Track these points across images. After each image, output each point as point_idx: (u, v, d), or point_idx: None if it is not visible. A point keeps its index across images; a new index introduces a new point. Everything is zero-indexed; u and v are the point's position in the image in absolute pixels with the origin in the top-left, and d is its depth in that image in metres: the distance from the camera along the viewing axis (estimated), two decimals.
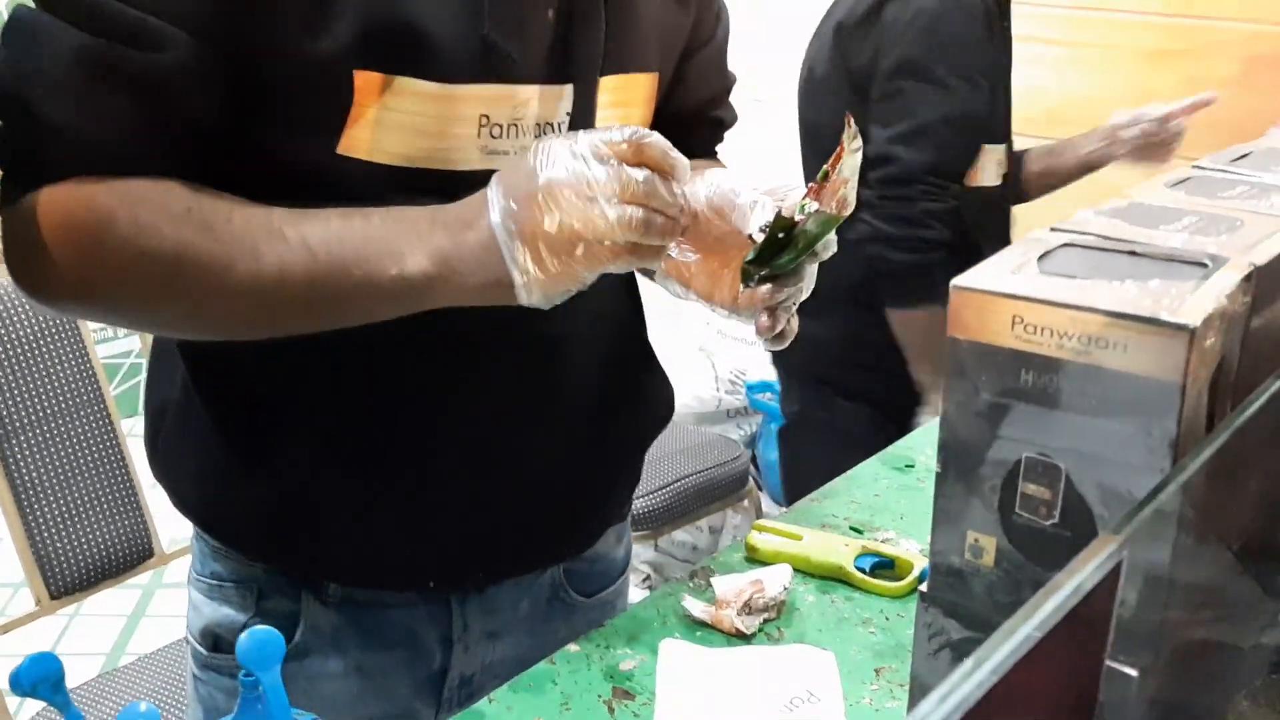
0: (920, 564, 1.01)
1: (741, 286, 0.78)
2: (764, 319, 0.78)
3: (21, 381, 1.49)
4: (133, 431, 3.46)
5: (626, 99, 0.83)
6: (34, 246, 0.69)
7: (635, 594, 2.57)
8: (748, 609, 0.96)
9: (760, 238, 0.74)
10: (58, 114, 0.67)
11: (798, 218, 0.74)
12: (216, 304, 0.71)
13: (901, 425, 1.63)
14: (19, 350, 1.49)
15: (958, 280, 0.46)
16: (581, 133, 0.69)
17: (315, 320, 0.73)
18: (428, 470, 0.83)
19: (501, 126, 0.74)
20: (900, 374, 1.71)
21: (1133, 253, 0.51)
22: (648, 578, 2.66)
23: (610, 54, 0.79)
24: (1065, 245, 0.51)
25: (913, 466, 1.24)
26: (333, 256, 0.69)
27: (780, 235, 0.74)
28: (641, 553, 2.65)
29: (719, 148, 1.05)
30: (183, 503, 0.87)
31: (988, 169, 1.69)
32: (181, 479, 0.87)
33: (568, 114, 0.78)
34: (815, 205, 0.74)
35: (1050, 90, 2.05)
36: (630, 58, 0.82)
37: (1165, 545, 0.40)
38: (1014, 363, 0.45)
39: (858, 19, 1.63)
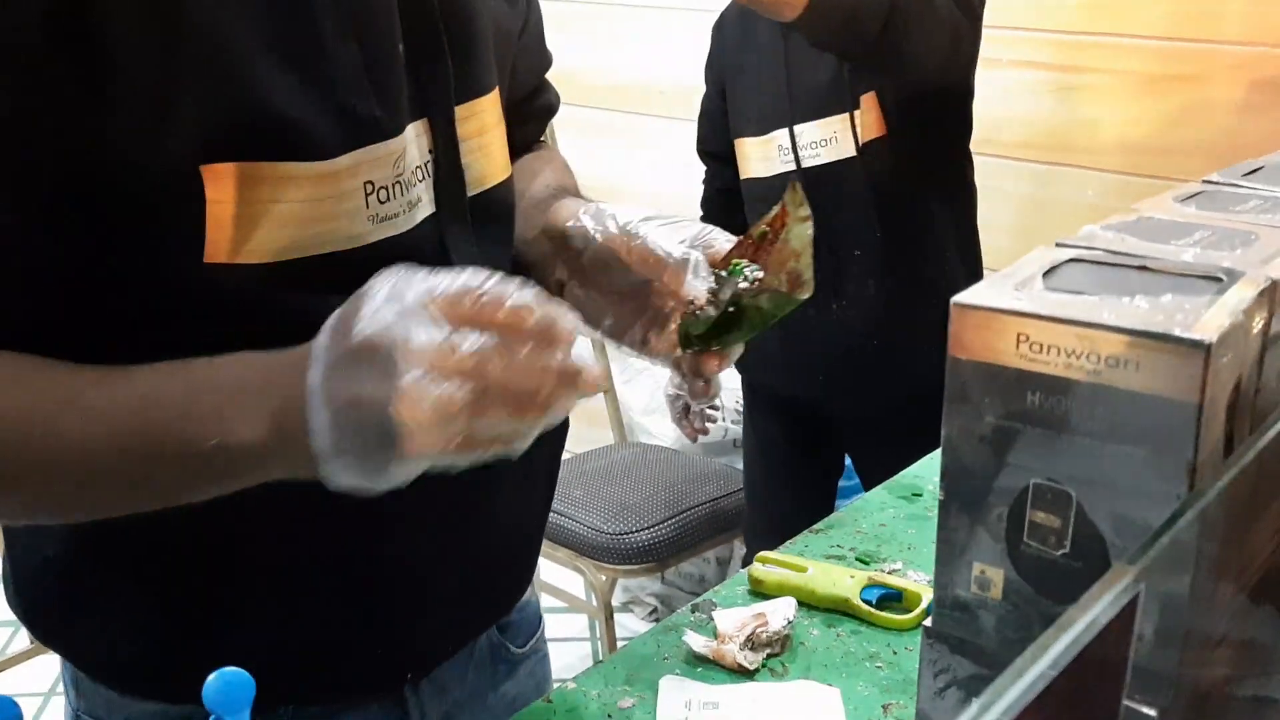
0: (929, 595, 0.98)
1: (679, 349, 0.75)
2: (701, 384, 0.73)
3: None
4: None
5: (482, 125, 0.78)
6: None
7: (641, 627, 2.53)
8: (751, 644, 0.93)
9: (705, 307, 0.71)
10: None
11: (741, 285, 0.70)
12: (22, 494, 0.63)
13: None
14: None
15: (959, 297, 0.44)
16: (423, 275, 0.56)
17: (133, 498, 0.64)
18: (372, 581, 0.77)
19: (387, 189, 0.68)
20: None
21: (1143, 268, 0.49)
22: (654, 610, 2.62)
23: (459, 80, 0.74)
24: (1072, 261, 0.49)
25: (920, 495, 1.21)
26: (144, 424, 0.60)
27: (730, 309, 0.71)
28: (648, 585, 2.61)
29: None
30: (89, 669, 0.79)
31: (751, 161, 1.71)
32: (83, 646, 0.78)
33: (430, 152, 0.73)
34: (756, 270, 0.70)
35: (1052, 116, 2.04)
36: (477, 82, 0.77)
37: (1184, 577, 0.38)
38: (1019, 384, 0.43)
39: None
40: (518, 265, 0.84)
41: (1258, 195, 0.62)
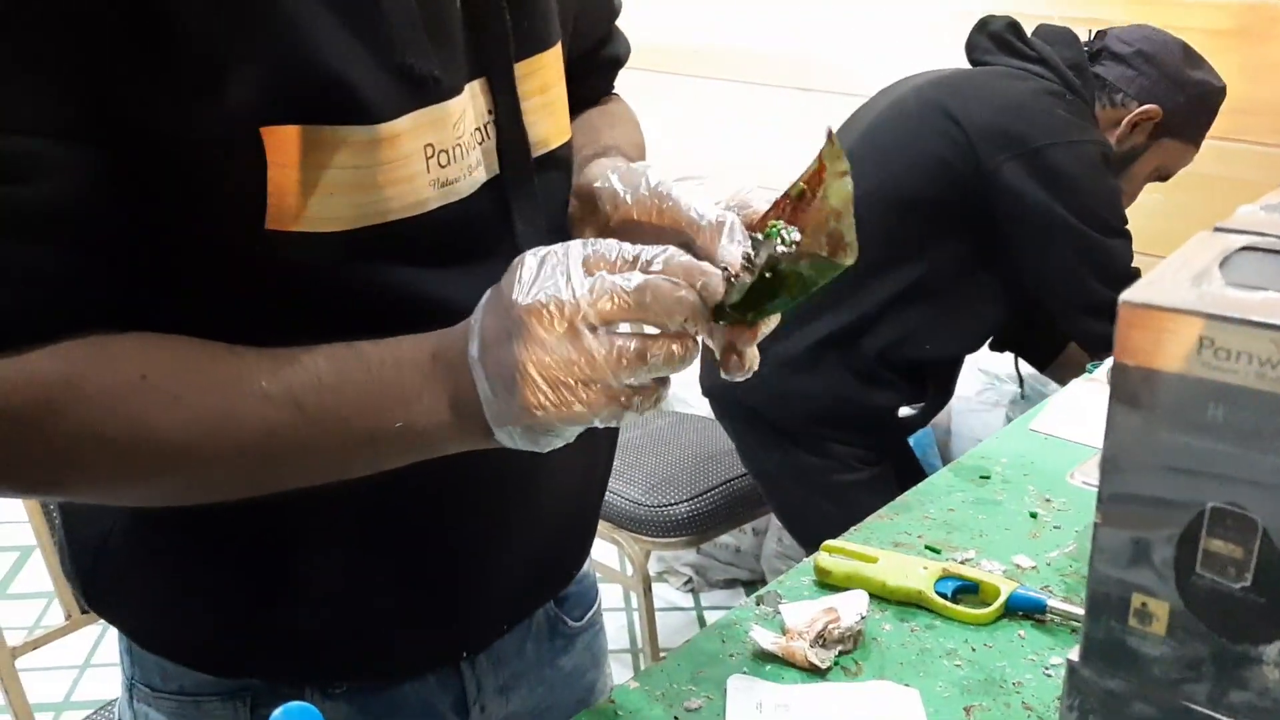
0: (1007, 588, 0.93)
1: (712, 320, 0.67)
2: (734, 358, 0.68)
3: None
4: None
5: (544, 82, 0.74)
6: None
7: (678, 597, 2.50)
8: (821, 640, 0.88)
9: (741, 272, 0.65)
10: None
11: (778, 247, 0.64)
12: (189, 479, 0.62)
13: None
14: None
15: (1129, 295, 0.38)
16: (575, 242, 0.59)
17: (308, 478, 0.64)
18: (429, 551, 0.75)
19: (447, 152, 0.65)
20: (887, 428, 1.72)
21: None
22: (689, 580, 2.59)
23: (519, 36, 0.71)
24: (1246, 250, 0.43)
25: (988, 478, 1.15)
26: (326, 411, 0.60)
27: (767, 275, 0.65)
28: (683, 555, 2.57)
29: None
30: (147, 642, 0.78)
31: None
32: (141, 618, 0.77)
33: (489, 111, 0.70)
34: (794, 233, 0.64)
35: None
36: (537, 36, 0.73)
37: None
38: (1200, 394, 0.37)
39: None
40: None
41: None
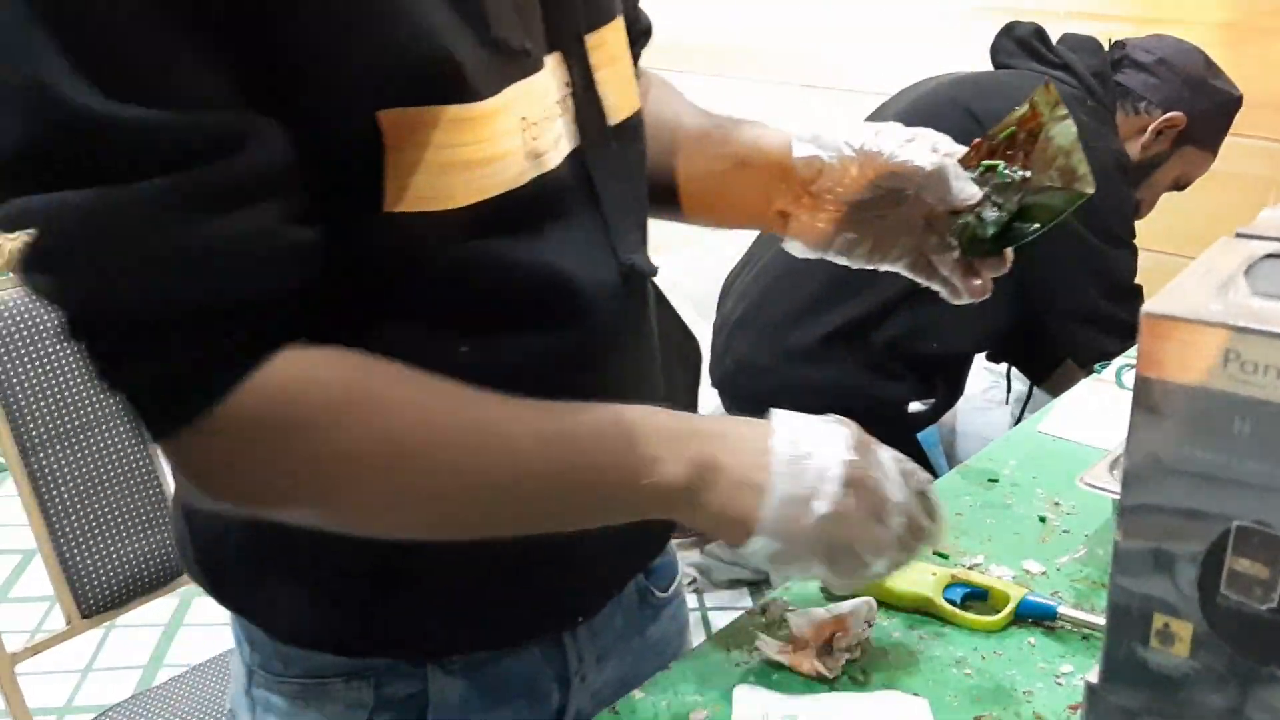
0: (1016, 594, 0.92)
1: (959, 254, 0.80)
2: (977, 283, 0.80)
3: (47, 393, 1.43)
4: None
5: (611, 54, 0.76)
6: (221, 464, 0.59)
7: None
8: (829, 649, 0.87)
9: (983, 209, 0.75)
10: (187, 294, 0.53)
11: (1006, 179, 0.74)
12: (444, 510, 0.65)
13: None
14: (43, 362, 1.43)
15: (1151, 306, 0.37)
16: (888, 452, 0.74)
17: (552, 525, 0.69)
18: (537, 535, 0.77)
19: (538, 124, 0.67)
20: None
21: None
22: (693, 581, 2.58)
23: (586, 11, 0.73)
24: (1271, 257, 0.41)
25: (997, 481, 1.14)
26: (583, 459, 0.66)
27: (1015, 209, 0.75)
28: (687, 556, 2.57)
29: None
30: (274, 631, 0.79)
31: None
32: (268, 609, 0.78)
33: (567, 84, 0.71)
34: (1019, 171, 0.73)
35: None
36: (601, 9, 0.75)
37: None
38: (1226, 408, 0.36)
39: None
40: (656, 193, 0.84)
41: None
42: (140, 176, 0.51)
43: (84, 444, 1.47)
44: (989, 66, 1.77)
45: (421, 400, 0.62)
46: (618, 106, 0.75)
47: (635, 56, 0.91)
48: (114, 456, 1.50)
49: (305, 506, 0.63)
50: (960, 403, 2.12)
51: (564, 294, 0.69)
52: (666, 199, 0.88)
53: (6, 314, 1.41)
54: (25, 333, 1.42)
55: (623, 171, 0.76)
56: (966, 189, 0.75)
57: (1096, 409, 1.26)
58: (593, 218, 0.72)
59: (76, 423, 1.45)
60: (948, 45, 1.90)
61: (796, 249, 0.88)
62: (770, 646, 0.86)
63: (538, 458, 0.64)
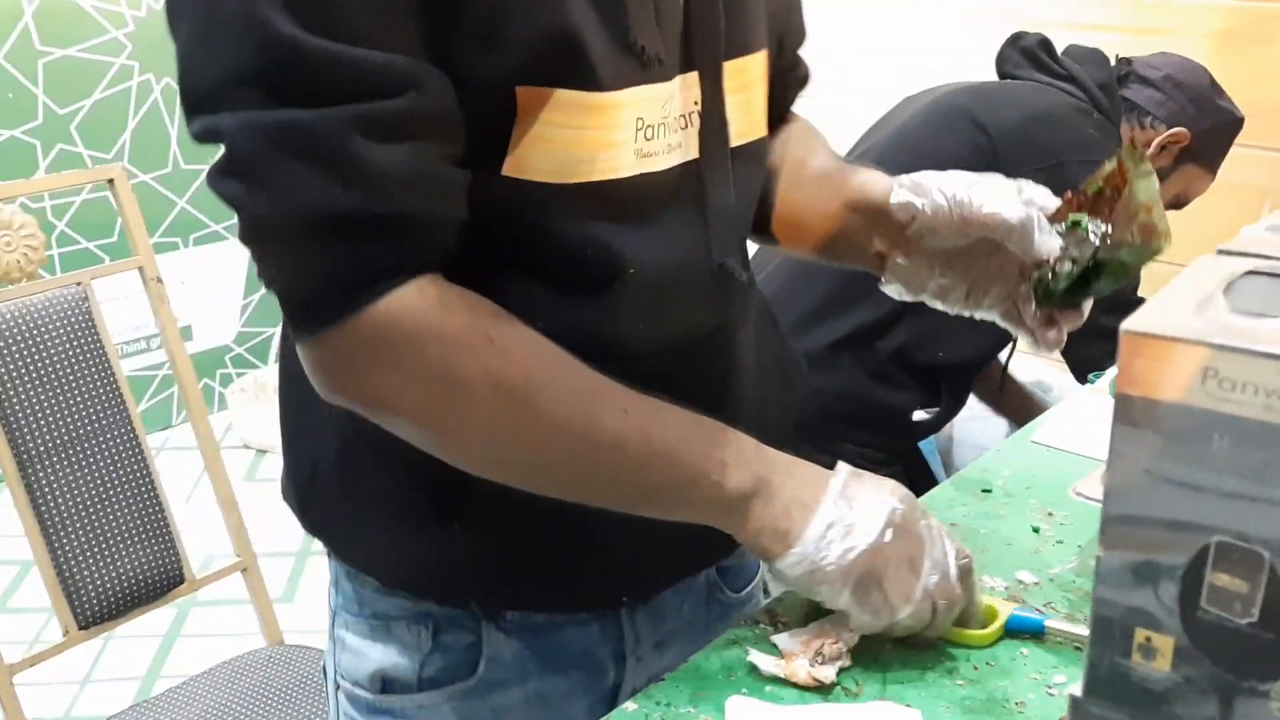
0: (1006, 609, 0.92)
1: (1034, 307, 0.83)
2: (1053, 334, 0.84)
3: (44, 404, 1.43)
4: (166, 445, 3.43)
5: (746, 82, 0.81)
6: (350, 364, 0.67)
7: None
8: (820, 658, 0.87)
9: (1061, 263, 0.78)
10: (367, 199, 0.62)
11: (1093, 239, 0.76)
12: (545, 459, 0.71)
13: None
14: (40, 372, 1.43)
15: (1130, 324, 0.37)
16: (945, 533, 0.80)
17: (617, 499, 0.74)
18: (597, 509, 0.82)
19: (653, 127, 0.72)
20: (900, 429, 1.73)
21: None
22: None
23: (730, 36, 0.77)
24: (1252, 274, 0.42)
25: (990, 491, 1.14)
26: (666, 445, 0.71)
27: (1089, 264, 0.77)
28: None
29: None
30: (350, 559, 0.86)
31: None
32: (347, 536, 0.85)
33: (696, 104, 0.76)
34: (1102, 225, 0.76)
35: None
36: (747, 38, 0.80)
37: None
38: (1204, 426, 0.36)
39: None
40: (763, 214, 0.91)
41: None
42: (326, 103, 0.59)
43: (81, 456, 1.47)
44: (988, 73, 1.78)
45: (534, 352, 0.68)
46: (741, 130, 0.80)
47: (789, 101, 1.00)
48: (111, 468, 1.50)
49: (414, 421, 0.69)
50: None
51: (646, 282, 0.74)
52: (765, 225, 0.95)
53: (4, 326, 1.41)
54: (23, 345, 1.43)
55: (734, 188, 0.80)
56: (1046, 243, 0.79)
57: (1090, 419, 1.26)
58: (696, 222, 0.77)
59: (74, 435, 1.46)
60: (944, 51, 1.91)
61: (893, 291, 0.92)
62: (764, 662, 0.86)
63: (630, 428, 0.69)
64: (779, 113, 0.97)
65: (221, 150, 0.61)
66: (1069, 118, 1.59)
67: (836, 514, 0.76)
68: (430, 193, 0.64)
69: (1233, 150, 1.78)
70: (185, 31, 0.61)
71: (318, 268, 0.63)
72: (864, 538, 0.76)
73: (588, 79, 0.67)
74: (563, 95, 0.66)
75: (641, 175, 0.72)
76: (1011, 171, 1.56)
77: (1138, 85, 1.67)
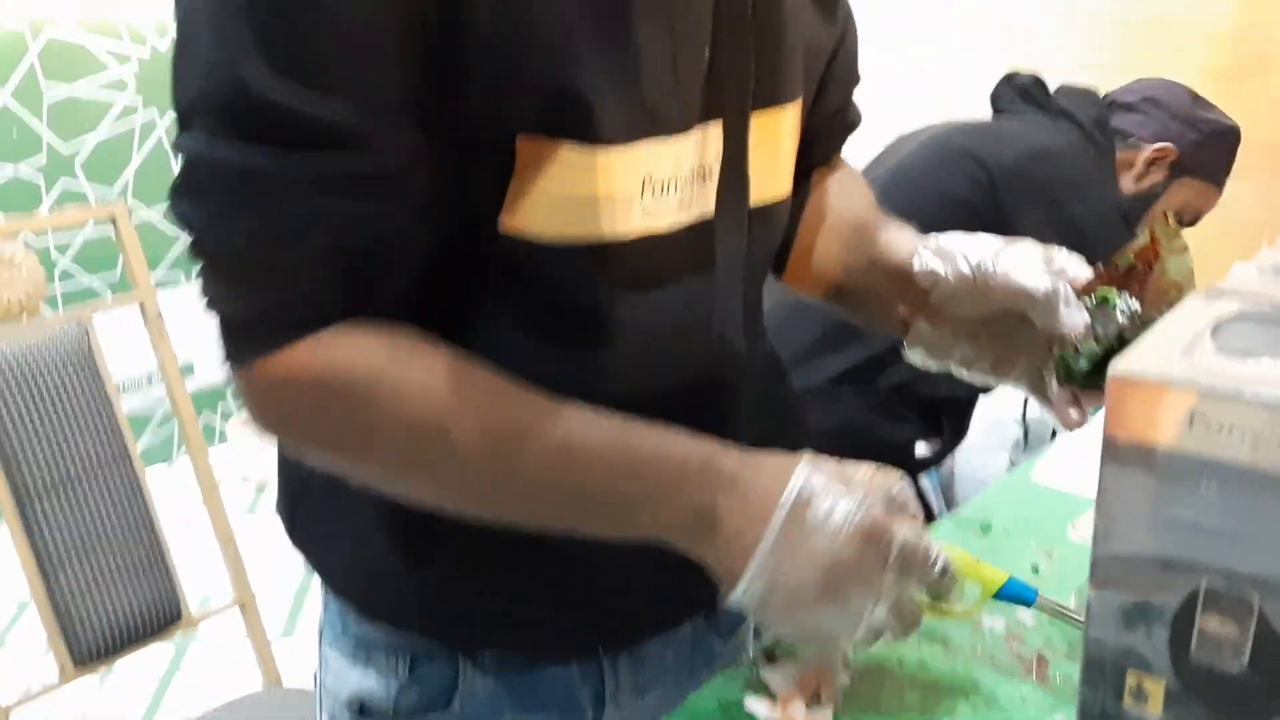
0: (999, 576, 0.91)
1: (1056, 384, 0.80)
2: (1075, 414, 0.79)
3: (42, 441, 1.43)
4: (167, 479, 3.42)
5: (776, 134, 0.77)
6: (273, 401, 0.66)
7: None
8: (817, 699, 0.86)
9: (1085, 340, 0.76)
10: (286, 251, 0.62)
11: (1119, 315, 0.74)
12: (464, 486, 0.69)
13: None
14: (39, 410, 1.43)
15: (1116, 367, 0.37)
16: (913, 549, 0.67)
17: (551, 529, 0.71)
18: (579, 555, 0.78)
19: (663, 183, 0.69)
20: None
21: None
22: None
23: (759, 87, 0.74)
24: (1240, 318, 0.42)
25: (989, 529, 1.14)
26: (593, 481, 0.67)
27: (1114, 343, 0.74)
28: None
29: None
30: (330, 580, 0.86)
31: None
32: (328, 557, 0.85)
33: (718, 156, 0.72)
34: (1132, 302, 0.73)
35: None
36: (779, 89, 0.77)
37: None
38: (1192, 470, 0.36)
39: None
40: (780, 254, 0.87)
41: None
42: (280, 145, 0.59)
43: (80, 493, 1.47)
44: (982, 108, 1.80)
45: (454, 390, 0.65)
46: (762, 189, 0.77)
47: (834, 148, 0.96)
48: (110, 505, 1.50)
49: (331, 460, 0.70)
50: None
51: (637, 349, 0.72)
52: (779, 265, 0.92)
53: (5, 364, 1.42)
54: (21, 383, 1.43)
55: (747, 253, 0.77)
56: (1072, 318, 0.75)
57: (1087, 457, 1.26)
58: (701, 290, 0.74)
59: (72, 472, 1.46)
60: (936, 87, 1.92)
61: (916, 358, 0.90)
62: (760, 708, 0.86)
63: (552, 467, 0.66)
64: (823, 156, 0.94)
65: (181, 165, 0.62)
66: (1066, 154, 1.60)
67: (773, 561, 0.68)
68: (368, 249, 0.63)
69: (1227, 186, 1.79)
70: (176, 39, 0.63)
71: (246, 300, 0.64)
72: (799, 586, 0.68)
73: (593, 133, 0.64)
74: (566, 150, 0.64)
75: (646, 238, 0.69)
76: (1010, 207, 1.57)
77: (1120, 113, 1.68)
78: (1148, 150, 1.65)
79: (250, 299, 0.64)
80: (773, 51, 0.74)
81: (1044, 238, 1.54)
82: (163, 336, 1.60)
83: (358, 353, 0.65)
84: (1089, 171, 1.59)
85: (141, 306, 1.59)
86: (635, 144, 0.66)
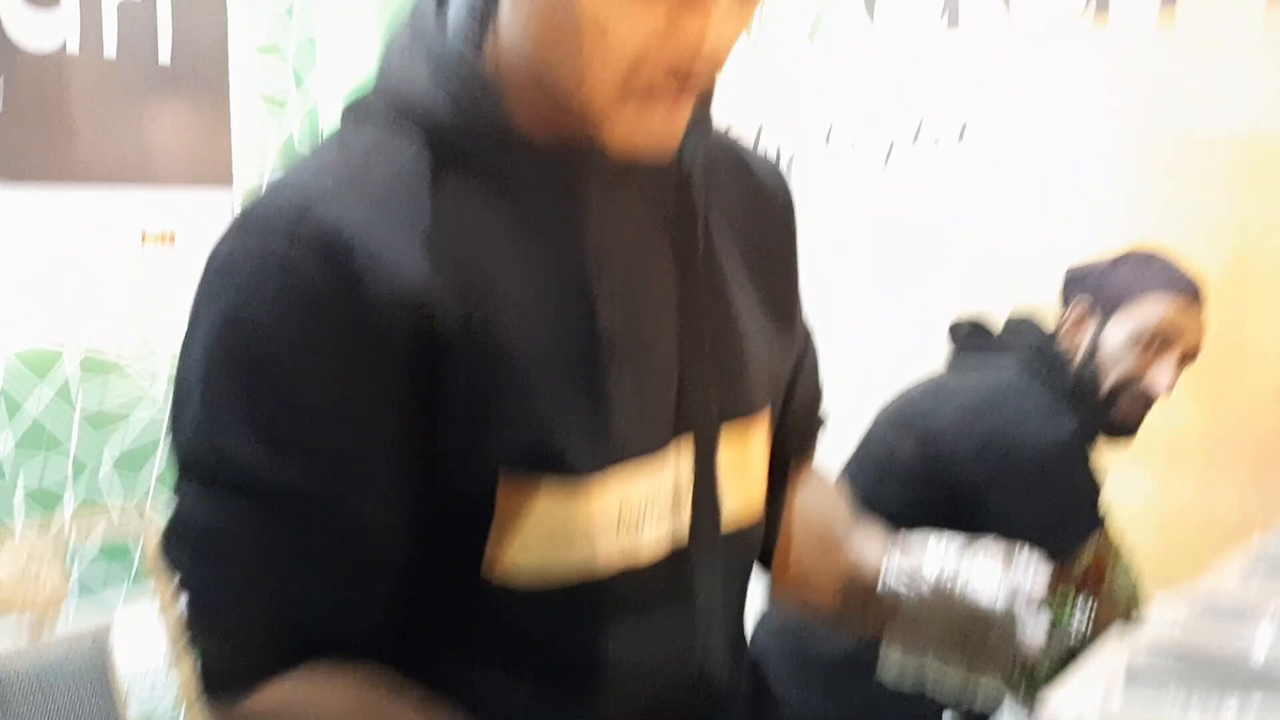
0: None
1: (1021, 695, 0.81)
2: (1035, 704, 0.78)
3: None
4: None
5: (745, 446, 0.79)
6: None
7: None
8: None
9: (1043, 653, 0.78)
10: (246, 613, 0.66)
11: (1077, 615, 0.77)
12: None
13: None
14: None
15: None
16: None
17: None
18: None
19: (638, 507, 0.70)
20: None
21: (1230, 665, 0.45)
22: None
23: (726, 396, 0.76)
24: (1153, 656, 0.46)
25: None
26: None
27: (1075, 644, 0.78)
28: None
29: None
30: None
31: None
32: None
33: (690, 471, 0.74)
34: (1090, 604, 0.76)
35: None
36: (744, 400, 0.78)
37: None
38: None
39: None
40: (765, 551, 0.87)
41: None
42: (253, 510, 0.63)
43: None
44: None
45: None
46: (736, 515, 0.78)
47: (809, 446, 0.95)
48: None
49: None
50: None
51: (621, 691, 0.72)
52: (766, 560, 0.91)
53: (15, 681, 1.39)
54: (32, 703, 1.40)
55: (724, 581, 0.78)
56: (1033, 635, 0.77)
57: None
58: (682, 620, 0.74)
59: None
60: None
61: (890, 678, 0.89)
62: None
63: None
64: (798, 448, 0.94)
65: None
66: (1003, 398, 1.56)
67: None
68: (327, 611, 0.67)
69: (1217, 474, 1.73)
70: (173, 393, 0.66)
71: (219, 645, 0.68)
72: None
73: (564, 465, 0.66)
74: (544, 484, 0.65)
75: (625, 574, 0.69)
76: (961, 469, 1.51)
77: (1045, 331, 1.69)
78: (1069, 315, 1.61)
79: (217, 644, 0.68)
80: (733, 362, 0.77)
81: (1008, 494, 1.48)
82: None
83: (309, 699, 0.67)
84: (1030, 407, 1.55)
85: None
86: (606, 470, 0.67)
